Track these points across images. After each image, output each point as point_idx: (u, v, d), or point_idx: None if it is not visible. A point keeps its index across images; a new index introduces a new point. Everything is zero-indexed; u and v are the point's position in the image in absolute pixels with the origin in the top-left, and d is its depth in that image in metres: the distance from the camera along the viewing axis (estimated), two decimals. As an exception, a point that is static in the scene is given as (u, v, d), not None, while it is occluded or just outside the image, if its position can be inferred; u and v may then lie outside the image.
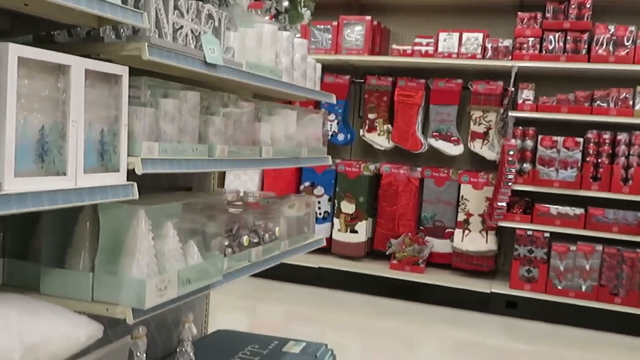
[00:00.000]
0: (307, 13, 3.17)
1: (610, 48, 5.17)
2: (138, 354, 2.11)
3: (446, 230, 5.76)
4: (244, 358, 2.77)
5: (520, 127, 5.44)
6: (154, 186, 2.36)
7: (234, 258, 2.25)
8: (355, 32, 5.88)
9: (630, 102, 5.20)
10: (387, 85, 5.96)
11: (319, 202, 5.95)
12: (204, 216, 2.08)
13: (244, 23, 2.29)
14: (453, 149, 5.77)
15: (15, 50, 1.28)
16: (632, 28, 5.16)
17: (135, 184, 1.64)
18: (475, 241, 5.57)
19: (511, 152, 5.00)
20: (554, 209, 5.29)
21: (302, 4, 3.14)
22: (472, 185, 5.63)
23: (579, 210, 5.23)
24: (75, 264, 1.75)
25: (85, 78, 1.49)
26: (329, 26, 5.93)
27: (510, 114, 5.33)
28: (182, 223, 1.93)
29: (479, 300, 5.33)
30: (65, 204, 1.41)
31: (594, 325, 5.06)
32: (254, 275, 2.43)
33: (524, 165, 5.41)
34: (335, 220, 5.95)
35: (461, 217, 5.65)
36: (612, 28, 5.19)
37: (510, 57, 5.44)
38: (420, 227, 5.84)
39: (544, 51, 5.34)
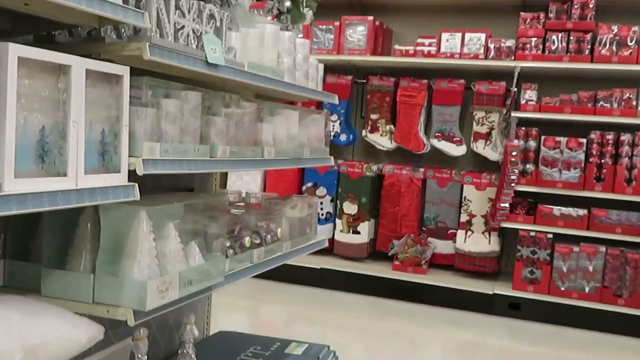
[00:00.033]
0: (309, 13, 3.15)
1: (614, 48, 5.16)
2: (139, 355, 2.10)
3: (449, 231, 5.75)
4: (246, 360, 2.76)
5: (523, 128, 5.43)
6: (155, 187, 2.35)
7: (235, 259, 2.24)
8: (358, 32, 5.87)
9: (634, 103, 5.18)
10: (389, 86, 5.95)
11: (321, 203, 5.94)
12: (205, 217, 2.06)
13: (245, 23, 2.28)
14: (456, 150, 5.75)
15: (15, 50, 1.27)
16: (636, 28, 5.14)
17: (137, 185, 1.63)
18: (478, 242, 5.56)
19: (514, 153, 4.98)
20: (557, 209, 5.27)
21: (304, 4, 3.13)
22: (475, 186, 5.62)
23: (582, 211, 5.21)
24: (76, 265, 1.74)
25: (86, 78, 1.48)
26: (331, 26, 5.93)
27: (513, 114, 5.33)
28: (184, 224, 1.92)
29: (482, 301, 5.31)
30: (66, 205, 1.40)
31: (597, 326, 5.04)
32: (256, 276, 2.42)
33: (527, 166, 5.40)
34: (338, 221, 5.94)
35: (464, 218, 5.64)
36: (615, 28, 5.18)
37: (512, 58, 5.43)
38: (423, 228, 5.83)
39: (546, 51, 5.33)
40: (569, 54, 5.25)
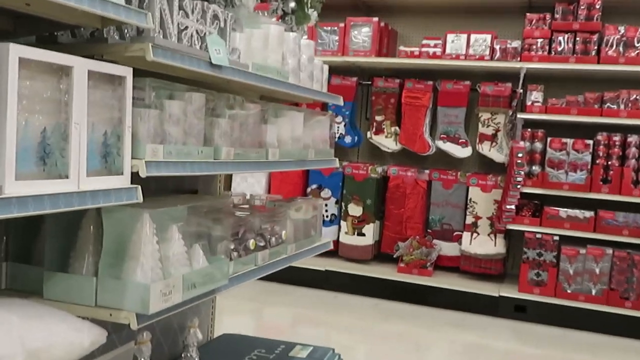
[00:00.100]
0: (314, 14, 3.14)
1: (620, 49, 5.13)
2: (142, 359, 2.09)
3: (454, 233, 5.72)
4: (250, 363, 2.74)
5: (529, 129, 5.40)
6: (159, 189, 2.33)
7: (240, 262, 2.22)
8: (363, 33, 5.86)
9: (641, 104, 5.15)
10: (394, 87, 5.93)
11: (326, 205, 5.92)
12: (209, 219, 2.05)
13: (250, 24, 2.27)
14: (461, 151, 5.73)
15: (16, 51, 1.26)
16: (643, 29, 5.12)
17: (140, 187, 1.61)
18: (483, 244, 5.53)
19: (520, 155, 4.96)
20: (563, 211, 5.24)
21: (309, 5, 3.11)
22: (481, 187, 5.59)
23: (589, 213, 5.18)
24: (79, 268, 1.72)
25: (89, 79, 1.46)
26: (335, 28, 5.91)
27: (519, 115, 5.30)
28: (188, 226, 1.90)
29: (488, 303, 5.28)
30: (68, 207, 1.38)
31: (603, 329, 5.00)
32: (261, 278, 2.41)
33: (533, 167, 5.37)
34: (343, 223, 5.92)
35: (469, 220, 5.61)
36: (622, 29, 5.15)
37: (518, 59, 5.40)
38: (428, 230, 5.80)
39: (553, 52, 5.30)
40: (575, 55, 5.22)
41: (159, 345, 2.58)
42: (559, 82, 5.60)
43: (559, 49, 5.28)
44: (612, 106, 5.21)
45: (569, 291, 5.14)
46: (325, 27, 5.88)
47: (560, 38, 5.28)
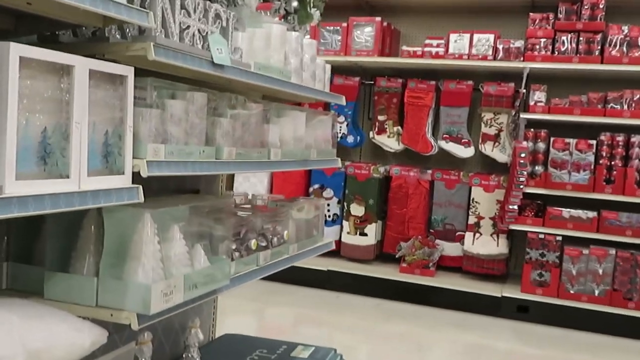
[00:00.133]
0: (316, 14, 3.13)
1: (624, 49, 5.11)
2: (144, 359, 2.08)
3: (457, 233, 5.71)
4: (251, 363, 2.74)
5: (532, 129, 5.39)
6: (160, 189, 2.33)
7: (241, 262, 2.21)
8: (365, 33, 5.85)
9: (644, 104, 5.13)
10: (397, 87, 5.92)
11: (328, 205, 5.91)
12: (211, 219, 2.04)
13: (252, 23, 2.26)
14: (464, 151, 5.72)
15: (17, 50, 1.25)
16: (646, 29, 5.10)
17: (141, 187, 1.60)
18: (486, 244, 5.52)
19: (523, 155, 4.94)
20: (566, 212, 5.22)
21: (312, 5, 3.11)
22: (483, 188, 5.58)
23: (592, 214, 5.16)
24: (80, 268, 1.72)
25: (90, 78, 1.46)
26: (338, 27, 5.90)
27: (521, 115, 5.28)
28: (189, 226, 1.90)
29: (490, 304, 5.27)
30: (68, 207, 1.38)
31: (606, 330, 4.99)
32: (263, 278, 2.40)
33: (536, 167, 5.35)
34: (345, 223, 5.92)
35: (472, 220, 5.60)
36: (625, 29, 5.13)
37: (521, 59, 5.39)
38: (431, 230, 5.79)
39: (556, 52, 5.28)
40: (578, 54, 5.20)
41: (160, 346, 2.58)
42: (562, 82, 5.58)
43: (562, 49, 5.27)
44: (616, 106, 5.19)
45: (571, 292, 5.12)
46: (327, 27, 5.87)
47: (564, 38, 5.26)
